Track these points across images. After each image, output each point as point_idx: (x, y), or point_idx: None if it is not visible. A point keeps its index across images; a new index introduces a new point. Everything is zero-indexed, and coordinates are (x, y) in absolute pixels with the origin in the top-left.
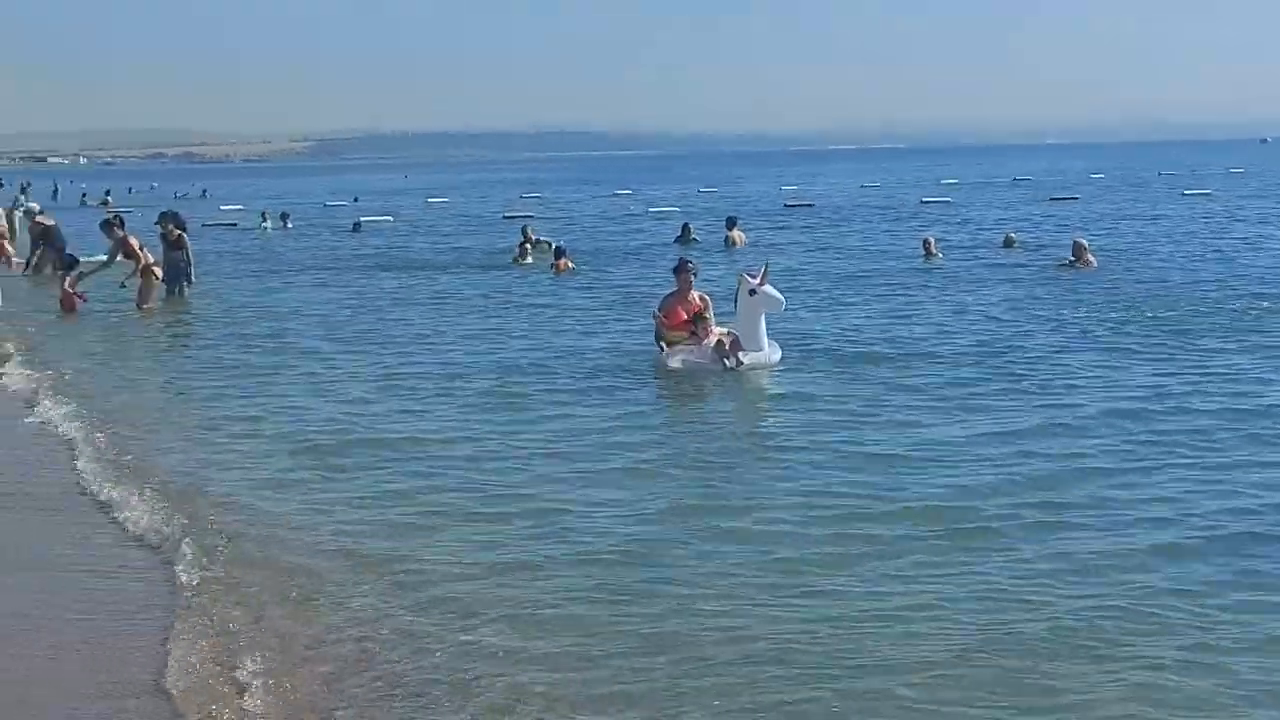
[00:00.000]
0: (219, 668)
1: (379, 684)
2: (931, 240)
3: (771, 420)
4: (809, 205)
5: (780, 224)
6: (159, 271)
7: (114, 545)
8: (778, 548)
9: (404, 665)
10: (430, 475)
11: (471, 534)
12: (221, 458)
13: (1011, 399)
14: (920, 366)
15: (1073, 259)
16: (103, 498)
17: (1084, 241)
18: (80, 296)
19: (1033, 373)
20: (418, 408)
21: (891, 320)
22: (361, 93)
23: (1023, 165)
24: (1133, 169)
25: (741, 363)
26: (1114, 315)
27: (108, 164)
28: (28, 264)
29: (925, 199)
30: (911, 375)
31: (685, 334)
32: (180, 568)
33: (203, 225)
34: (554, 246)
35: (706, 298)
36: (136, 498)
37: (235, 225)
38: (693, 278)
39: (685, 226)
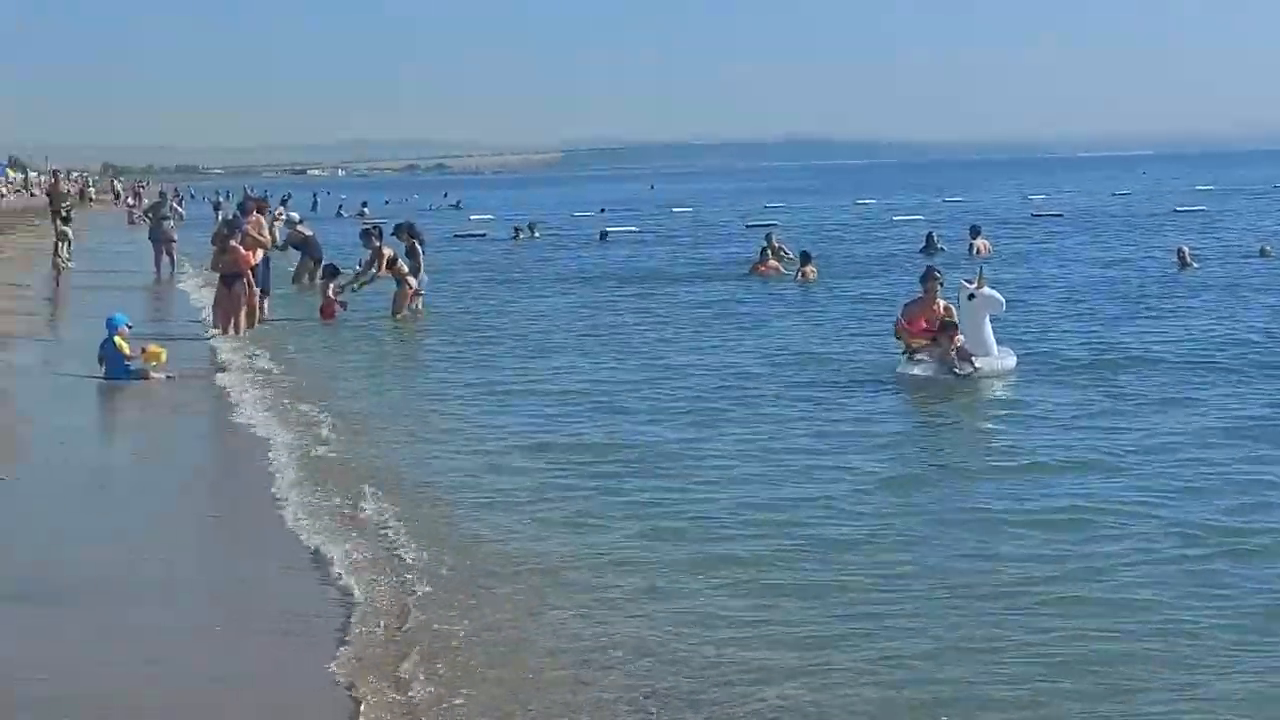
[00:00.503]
0: (453, 670)
1: (626, 693)
2: (1185, 249)
3: (1007, 428)
4: (1057, 215)
5: (1026, 233)
6: (413, 282)
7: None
8: (1022, 562)
9: (654, 679)
10: (668, 483)
11: (712, 545)
12: (460, 463)
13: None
14: (1172, 377)
15: None
16: (336, 500)
17: None
18: (340, 304)
19: None
20: (656, 416)
21: (1141, 330)
22: (607, 104)
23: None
24: None
25: (976, 369)
26: None
27: (364, 176)
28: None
29: (1178, 208)
30: (1164, 386)
31: (926, 341)
32: (413, 576)
33: (454, 236)
34: (799, 254)
35: (951, 307)
36: (371, 501)
37: (484, 235)
38: (939, 286)
39: (929, 236)
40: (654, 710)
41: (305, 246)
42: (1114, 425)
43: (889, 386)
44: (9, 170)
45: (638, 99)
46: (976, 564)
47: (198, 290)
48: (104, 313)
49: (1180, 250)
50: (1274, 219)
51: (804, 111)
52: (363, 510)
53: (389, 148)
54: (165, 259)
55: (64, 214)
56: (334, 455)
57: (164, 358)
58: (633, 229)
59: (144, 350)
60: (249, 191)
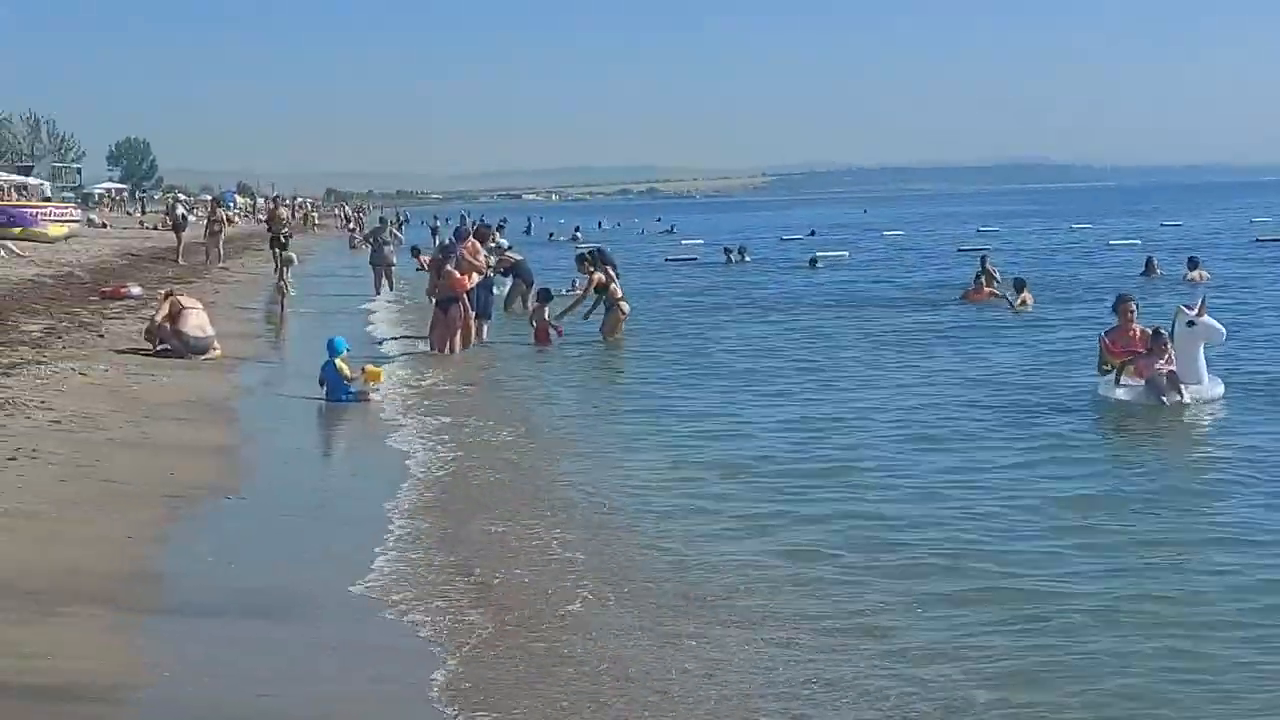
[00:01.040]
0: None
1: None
2: None
3: (1212, 458)
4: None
5: (1251, 260)
6: (625, 307)
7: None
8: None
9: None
10: (864, 506)
11: (904, 566)
12: (648, 485)
13: None
14: None
15: None
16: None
17: None
18: (557, 329)
19: None
20: (855, 441)
21: None
22: (817, 128)
23: None
24: None
25: (1182, 397)
26: None
27: (578, 200)
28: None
29: None
30: None
31: (1130, 360)
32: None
33: (665, 260)
34: (1014, 280)
35: (1148, 331)
36: (547, 520)
37: (694, 260)
38: (1133, 312)
39: (1149, 260)
40: None
41: (516, 272)
42: None
43: (1091, 410)
44: (237, 196)
45: (848, 123)
46: (1181, 587)
47: (406, 313)
48: (324, 336)
49: None
50: None
51: (1015, 135)
52: (567, 533)
53: (603, 172)
54: (384, 282)
55: (282, 239)
56: (543, 479)
57: (382, 378)
58: (843, 253)
59: (364, 370)
60: (465, 217)
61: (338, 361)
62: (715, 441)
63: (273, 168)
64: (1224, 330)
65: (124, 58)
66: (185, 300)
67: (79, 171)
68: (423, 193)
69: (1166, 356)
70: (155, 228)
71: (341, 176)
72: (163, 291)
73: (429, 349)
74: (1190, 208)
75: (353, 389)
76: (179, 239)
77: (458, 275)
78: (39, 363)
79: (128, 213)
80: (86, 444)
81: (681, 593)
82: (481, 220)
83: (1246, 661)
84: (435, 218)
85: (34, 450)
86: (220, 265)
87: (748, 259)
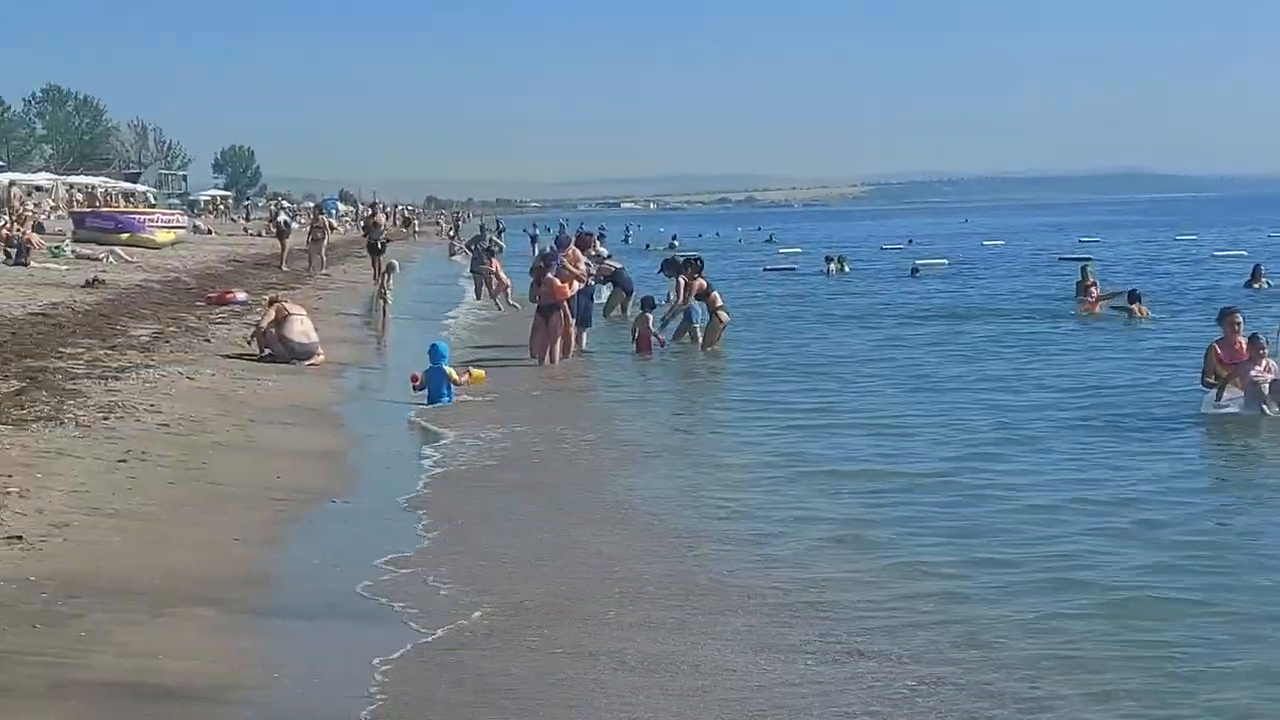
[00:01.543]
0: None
1: None
2: None
3: None
4: None
5: None
6: (725, 316)
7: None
8: None
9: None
10: (965, 514)
11: (1011, 578)
12: (761, 493)
13: None
14: None
15: None
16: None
17: None
18: (659, 339)
19: None
20: (951, 452)
21: None
22: (917, 138)
23: None
24: None
25: None
26: None
27: (676, 209)
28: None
29: None
30: None
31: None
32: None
33: (764, 270)
34: (1128, 292)
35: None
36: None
37: (794, 269)
38: (1239, 324)
39: (1256, 268)
40: None
41: (616, 280)
42: None
43: (1197, 421)
44: (340, 204)
45: (947, 133)
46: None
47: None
48: (425, 342)
49: None
50: None
51: (1118, 144)
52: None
53: (702, 181)
54: (485, 290)
55: (380, 246)
56: (648, 480)
57: (484, 379)
58: (943, 261)
59: (469, 373)
60: (564, 225)
61: (446, 367)
62: (810, 444)
63: (374, 174)
64: None
65: (232, 70)
66: (290, 306)
67: (184, 178)
68: (522, 200)
69: (1265, 364)
70: (259, 234)
71: (442, 184)
72: (268, 297)
73: (529, 356)
74: None
75: (453, 391)
76: (283, 245)
77: (559, 283)
78: (147, 366)
79: (232, 219)
80: (194, 447)
81: (787, 604)
82: (582, 227)
83: None
84: (534, 225)
85: (144, 453)
86: (323, 272)
87: (847, 269)
